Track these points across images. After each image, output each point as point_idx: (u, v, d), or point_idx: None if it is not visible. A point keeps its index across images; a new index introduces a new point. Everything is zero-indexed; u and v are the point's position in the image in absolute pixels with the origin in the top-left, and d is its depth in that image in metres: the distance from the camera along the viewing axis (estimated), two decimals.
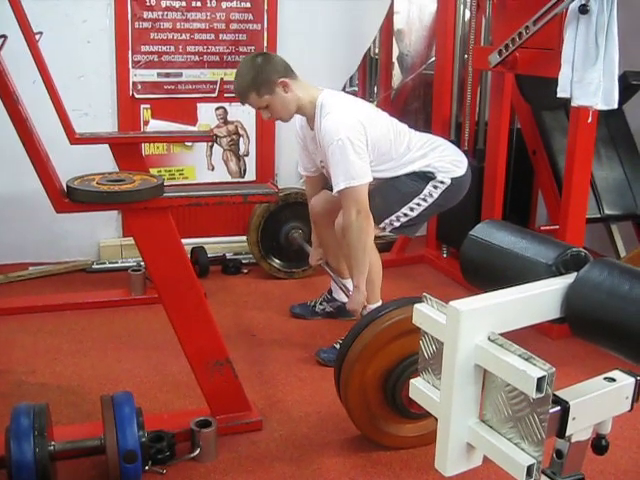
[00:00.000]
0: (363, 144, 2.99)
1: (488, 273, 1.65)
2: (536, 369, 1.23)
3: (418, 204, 3.21)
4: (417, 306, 1.49)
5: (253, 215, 4.19)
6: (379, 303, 3.22)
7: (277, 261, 4.27)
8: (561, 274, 1.52)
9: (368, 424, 2.52)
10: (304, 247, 3.97)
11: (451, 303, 1.32)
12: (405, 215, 3.21)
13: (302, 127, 3.29)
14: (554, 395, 1.32)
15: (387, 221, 3.21)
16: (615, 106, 2.88)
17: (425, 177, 3.21)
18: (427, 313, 1.45)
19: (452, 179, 3.22)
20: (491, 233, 1.68)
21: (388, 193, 3.20)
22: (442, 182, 3.20)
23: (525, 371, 1.23)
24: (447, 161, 3.23)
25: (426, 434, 2.49)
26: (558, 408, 1.35)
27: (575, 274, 1.48)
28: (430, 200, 3.21)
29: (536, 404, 1.25)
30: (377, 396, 2.47)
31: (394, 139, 3.18)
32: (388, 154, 3.17)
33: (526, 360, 1.26)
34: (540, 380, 1.22)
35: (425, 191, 3.20)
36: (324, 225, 3.42)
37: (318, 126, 3.05)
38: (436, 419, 1.43)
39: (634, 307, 1.34)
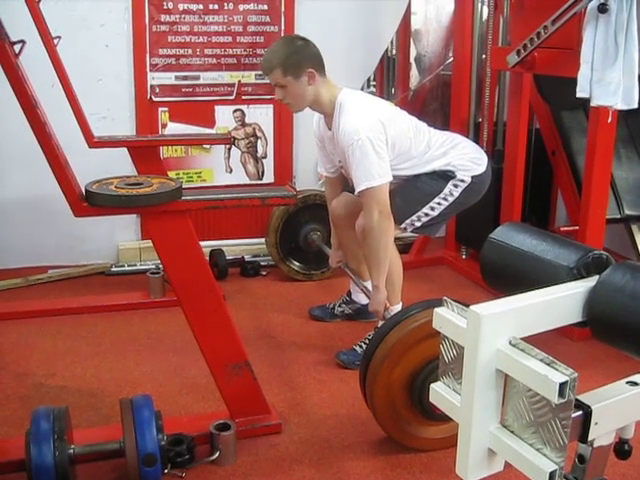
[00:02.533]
0: (383, 143, 2.98)
1: (508, 276, 1.64)
2: (558, 374, 1.22)
3: (439, 203, 3.20)
4: (437, 310, 1.48)
5: (272, 217, 4.19)
6: (400, 304, 3.22)
7: (296, 263, 4.27)
8: (582, 277, 1.51)
9: (393, 425, 2.51)
10: (323, 249, 3.96)
11: (472, 307, 1.31)
12: (426, 215, 3.20)
13: (320, 127, 3.29)
14: (576, 400, 1.30)
15: (408, 221, 3.20)
16: (635, 106, 2.86)
17: (445, 176, 3.20)
18: (447, 317, 1.44)
19: (472, 177, 3.21)
20: (511, 236, 1.67)
21: (408, 193, 3.19)
22: (462, 180, 3.19)
23: (547, 376, 1.22)
24: (467, 159, 3.23)
25: (450, 437, 2.47)
26: (580, 413, 1.34)
27: (597, 277, 1.47)
28: (451, 199, 3.20)
29: (558, 409, 1.24)
30: (403, 397, 2.47)
31: (414, 137, 3.17)
32: (408, 152, 3.16)
33: (548, 365, 1.25)
34: (562, 385, 1.20)
35: (446, 190, 3.19)
36: (345, 227, 3.40)
37: (337, 126, 3.05)
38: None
39: None
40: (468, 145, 3.34)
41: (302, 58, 3.01)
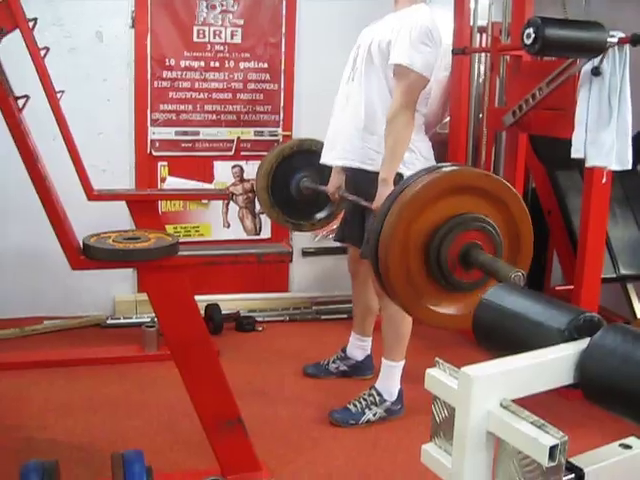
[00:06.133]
0: (436, 54, 2.92)
1: (500, 337, 1.64)
2: (548, 437, 1.21)
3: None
4: (429, 371, 1.47)
5: (264, 161, 3.77)
6: (404, 361, 3.19)
7: (286, 211, 3.86)
8: (574, 339, 1.51)
9: (407, 294, 2.13)
10: (318, 189, 3.66)
11: (463, 369, 1.31)
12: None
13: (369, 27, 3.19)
14: (569, 462, 1.30)
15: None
16: (629, 167, 2.90)
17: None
18: (439, 378, 1.44)
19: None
20: (504, 297, 1.67)
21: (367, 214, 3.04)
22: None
23: (537, 439, 1.21)
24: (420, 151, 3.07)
25: (461, 316, 2.14)
26: (572, 476, 1.33)
27: (588, 340, 1.47)
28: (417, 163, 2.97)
29: (549, 473, 1.23)
30: (419, 260, 2.09)
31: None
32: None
33: (538, 428, 1.24)
34: (553, 449, 1.20)
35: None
36: (360, 283, 3.49)
37: (404, 12, 2.98)
38: None
39: None
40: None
41: None
